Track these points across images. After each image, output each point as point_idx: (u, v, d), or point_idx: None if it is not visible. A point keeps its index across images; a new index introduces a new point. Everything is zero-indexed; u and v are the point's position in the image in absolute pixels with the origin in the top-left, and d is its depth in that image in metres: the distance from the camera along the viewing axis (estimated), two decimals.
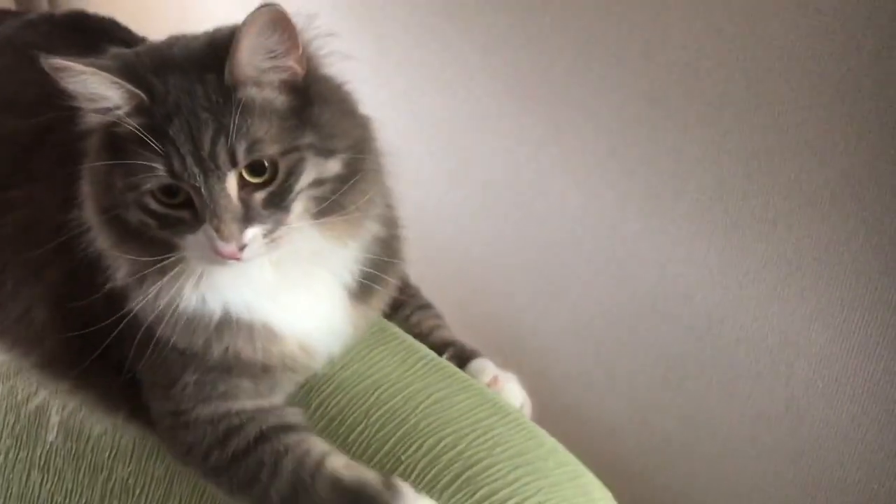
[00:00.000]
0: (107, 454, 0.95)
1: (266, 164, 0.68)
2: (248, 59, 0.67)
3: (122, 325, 0.73)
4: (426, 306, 0.93)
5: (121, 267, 0.74)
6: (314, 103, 0.70)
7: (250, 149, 0.67)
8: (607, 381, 1.26)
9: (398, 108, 1.36)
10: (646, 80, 1.01)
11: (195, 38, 0.73)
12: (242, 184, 0.68)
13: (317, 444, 0.75)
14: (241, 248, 0.67)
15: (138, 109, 0.68)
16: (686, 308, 1.08)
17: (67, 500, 0.94)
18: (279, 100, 0.69)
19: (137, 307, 0.73)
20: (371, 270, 0.77)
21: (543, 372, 1.33)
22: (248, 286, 0.74)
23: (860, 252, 0.89)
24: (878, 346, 0.91)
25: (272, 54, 0.68)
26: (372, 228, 0.77)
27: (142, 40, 1.03)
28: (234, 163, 0.66)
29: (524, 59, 1.15)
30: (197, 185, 0.66)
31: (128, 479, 0.93)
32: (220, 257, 0.67)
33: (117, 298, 0.75)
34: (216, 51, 0.69)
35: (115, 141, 0.69)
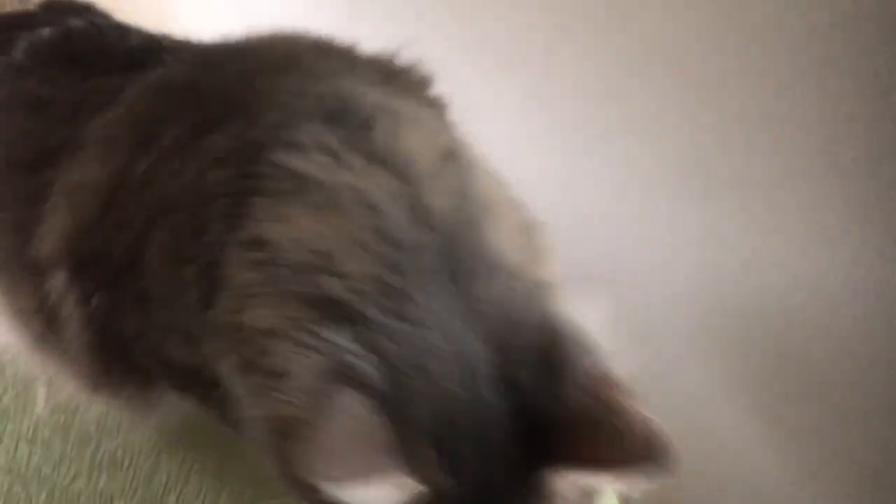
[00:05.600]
0: (93, 427, 0.96)
1: None
2: None
3: None
4: None
5: None
6: None
7: None
8: None
9: None
10: (625, 48, 0.99)
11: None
12: None
13: None
14: None
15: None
16: (660, 278, 1.08)
17: (55, 471, 0.94)
18: None
19: None
20: None
21: None
22: None
23: (838, 222, 0.88)
24: None
25: None
26: None
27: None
28: None
29: (494, 27, 1.11)
30: None
31: (115, 452, 0.94)
32: None
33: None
34: None
35: None
